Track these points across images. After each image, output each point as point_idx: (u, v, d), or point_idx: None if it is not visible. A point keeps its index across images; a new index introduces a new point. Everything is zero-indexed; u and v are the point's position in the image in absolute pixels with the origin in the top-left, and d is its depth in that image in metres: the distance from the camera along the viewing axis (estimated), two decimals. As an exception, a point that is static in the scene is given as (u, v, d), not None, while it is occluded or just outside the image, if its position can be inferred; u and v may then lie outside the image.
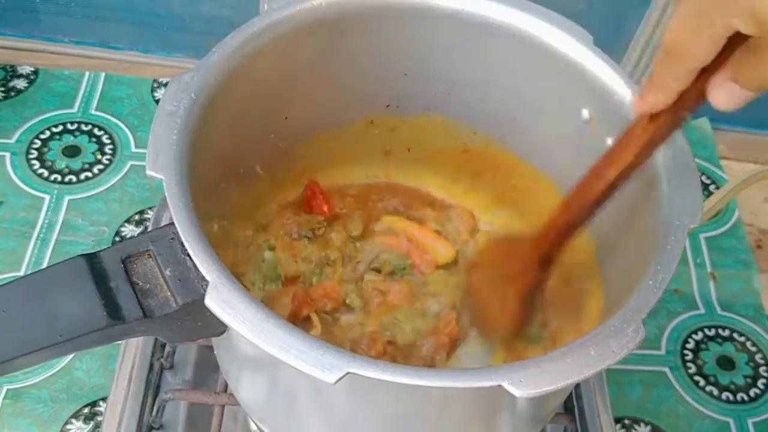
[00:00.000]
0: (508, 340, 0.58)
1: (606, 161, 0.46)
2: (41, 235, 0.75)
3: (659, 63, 0.38)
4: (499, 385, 0.38)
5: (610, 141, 0.53)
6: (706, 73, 0.38)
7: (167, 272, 0.44)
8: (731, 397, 0.72)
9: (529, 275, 0.53)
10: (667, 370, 0.73)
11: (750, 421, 0.70)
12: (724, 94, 0.37)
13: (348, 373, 0.37)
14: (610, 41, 0.69)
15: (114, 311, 0.42)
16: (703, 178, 0.88)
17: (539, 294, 0.54)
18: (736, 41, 0.35)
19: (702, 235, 0.82)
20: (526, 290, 0.53)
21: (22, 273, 0.72)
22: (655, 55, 0.38)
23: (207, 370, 0.65)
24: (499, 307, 0.55)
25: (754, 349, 0.75)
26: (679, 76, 0.38)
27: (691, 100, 0.40)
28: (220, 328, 0.45)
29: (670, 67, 0.38)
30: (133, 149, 0.83)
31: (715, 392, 0.72)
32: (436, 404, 0.46)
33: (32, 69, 0.88)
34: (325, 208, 0.64)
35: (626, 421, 0.69)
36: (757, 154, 0.91)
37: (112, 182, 0.80)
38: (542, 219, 0.62)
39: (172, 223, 0.43)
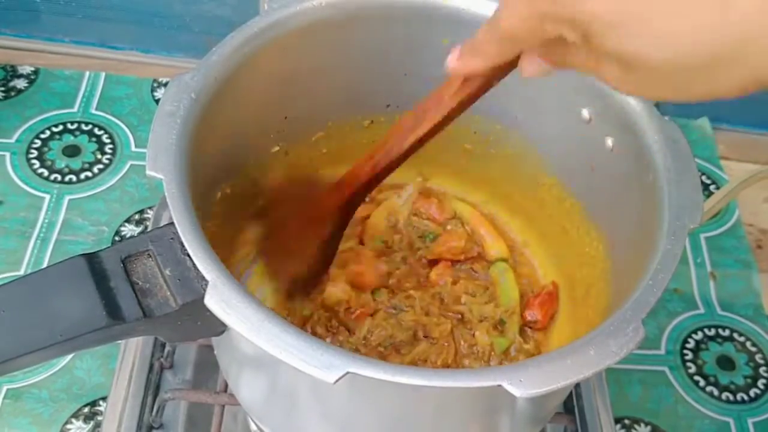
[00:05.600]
0: (297, 288, 0.58)
1: (416, 120, 0.48)
2: (41, 235, 0.75)
3: (489, 34, 0.40)
4: (499, 385, 0.38)
5: (610, 141, 0.53)
6: None
7: (167, 272, 0.44)
8: (731, 397, 0.71)
9: (327, 221, 0.54)
10: (666, 369, 0.73)
11: (750, 421, 0.70)
12: (533, 66, 0.40)
13: (348, 372, 0.38)
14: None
15: (114, 311, 0.42)
16: (703, 178, 0.88)
17: (334, 244, 0.56)
18: None
19: (702, 235, 0.82)
20: (324, 237, 0.55)
21: (22, 273, 0.72)
22: (487, 23, 0.39)
23: (207, 370, 0.65)
24: (297, 250, 0.56)
25: (754, 349, 0.75)
26: (504, 52, 0.40)
27: (505, 69, 0.43)
28: (220, 328, 0.45)
29: (500, 45, 0.40)
30: (133, 149, 0.83)
31: (715, 392, 0.72)
32: (436, 404, 0.46)
33: (32, 69, 0.88)
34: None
35: (626, 421, 0.69)
36: (757, 154, 0.91)
37: (112, 182, 0.80)
38: (541, 215, 0.63)
39: (172, 223, 0.43)
